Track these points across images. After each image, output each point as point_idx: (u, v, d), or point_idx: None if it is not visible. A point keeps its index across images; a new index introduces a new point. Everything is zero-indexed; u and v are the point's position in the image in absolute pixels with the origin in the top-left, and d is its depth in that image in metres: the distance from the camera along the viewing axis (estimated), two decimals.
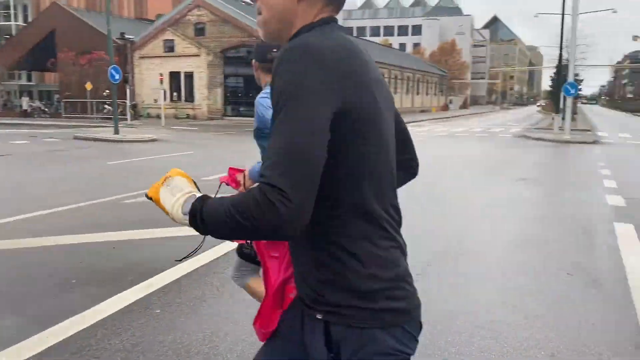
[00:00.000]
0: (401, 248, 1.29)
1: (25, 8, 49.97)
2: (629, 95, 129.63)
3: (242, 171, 2.69)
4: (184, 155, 14.46)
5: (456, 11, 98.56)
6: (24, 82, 48.49)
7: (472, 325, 3.75)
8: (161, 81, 29.55)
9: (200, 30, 35.78)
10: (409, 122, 35.00)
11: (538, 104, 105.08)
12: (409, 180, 1.60)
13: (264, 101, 2.72)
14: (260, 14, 1.27)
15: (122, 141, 18.63)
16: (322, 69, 1.10)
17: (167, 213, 1.23)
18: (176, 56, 36.27)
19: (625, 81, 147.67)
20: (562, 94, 25.07)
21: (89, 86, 31.38)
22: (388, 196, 1.26)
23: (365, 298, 1.20)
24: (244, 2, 38.54)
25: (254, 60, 3.00)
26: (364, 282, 1.19)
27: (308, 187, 1.06)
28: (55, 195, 8.33)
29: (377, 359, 1.21)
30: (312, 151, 1.07)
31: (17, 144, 16.78)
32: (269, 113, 2.59)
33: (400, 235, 1.30)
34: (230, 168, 2.77)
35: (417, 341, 1.28)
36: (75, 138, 19.43)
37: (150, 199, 1.28)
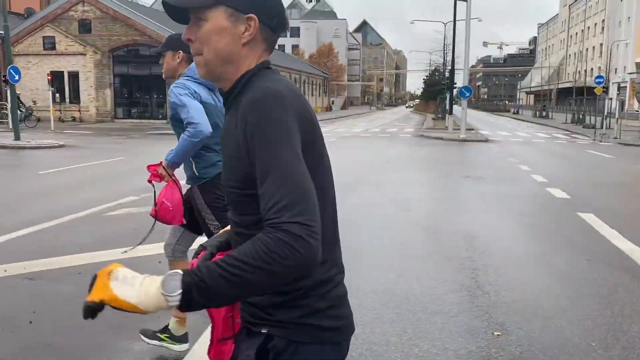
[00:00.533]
0: (342, 272, 1.38)
1: None
2: (484, 96, 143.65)
3: (159, 164, 3.10)
4: (118, 162, 13.70)
5: (331, 15, 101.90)
6: None
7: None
8: (50, 81, 27.16)
9: (85, 28, 33.46)
10: None
11: (407, 104, 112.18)
12: None
13: (177, 90, 3.02)
14: (199, 54, 1.32)
15: (26, 147, 17.02)
16: (289, 112, 1.20)
17: (133, 308, 1.09)
18: (58, 54, 33.56)
19: (479, 83, 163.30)
20: (447, 97, 27.38)
21: None
22: (334, 222, 1.36)
23: (313, 316, 1.27)
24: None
25: (174, 52, 3.19)
26: (316, 301, 1.27)
27: (319, 222, 1.13)
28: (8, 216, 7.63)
29: None
30: (311, 185, 1.15)
31: None
32: (181, 100, 2.98)
33: (341, 259, 1.39)
34: (148, 166, 3.16)
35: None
36: None
37: (97, 306, 1.08)
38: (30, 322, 3.88)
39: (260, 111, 1.18)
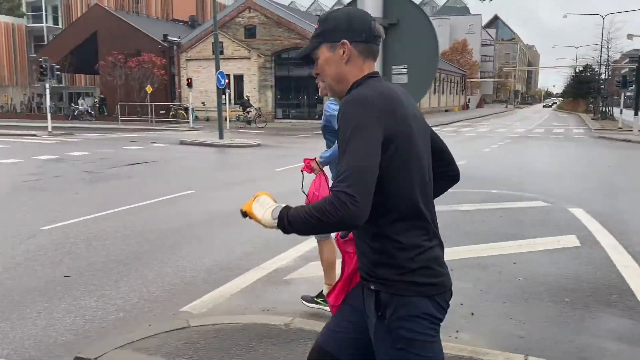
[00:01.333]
0: (437, 240, 1.73)
1: (55, 9, 49.30)
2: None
3: (314, 159, 3.85)
4: None
5: (465, 10, 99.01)
6: (55, 84, 47.76)
7: None
8: (227, 83, 29.21)
9: (250, 33, 35.56)
10: (462, 123, 34.94)
11: (545, 103, 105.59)
12: (452, 185, 2.04)
13: (332, 106, 3.69)
14: (323, 82, 1.81)
15: (231, 146, 18.42)
16: (370, 111, 1.59)
17: (258, 221, 1.66)
18: (225, 59, 35.98)
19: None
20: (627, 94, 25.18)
21: (149, 89, 31.06)
22: (424, 201, 1.70)
23: (407, 274, 1.64)
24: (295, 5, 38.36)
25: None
26: (406, 262, 1.65)
27: (368, 194, 1.53)
28: None
29: (411, 319, 1.64)
30: (370, 170, 1.55)
31: (141, 150, 16.53)
32: (333, 116, 3.62)
33: (436, 231, 1.74)
34: (305, 159, 3.90)
35: (445, 311, 1.71)
36: (182, 143, 19.21)
37: (244, 212, 1.71)
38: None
39: (345, 109, 1.62)
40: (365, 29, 1.74)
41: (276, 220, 1.61)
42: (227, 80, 29.60)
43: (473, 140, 22.38)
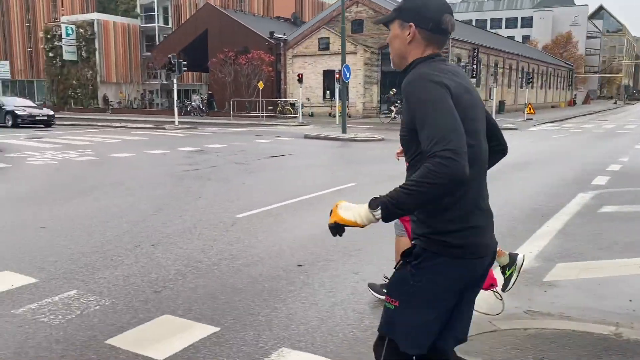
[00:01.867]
0: (476, 210, 1.86)
1: (166, 10, 51.70)
2: None
3: None
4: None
5: (568, 1, 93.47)
6: (163, 81, 50.19)
7: None
8: (338, 79, 29.14)
9: (357, 27, 35.32)
10: (578, 119, 32.78)
11: None
12: (501, 158, 2.20)
13: None
14: (390, 53, 2.03)
15: (356, 140, 18.21)
16: (436, 84, 1.75)
17: (354, 224, 1.73)
18: (331, 54, 36.02)
19: None
20: None
21: (260, 85, 31.69)
22: (475, 170, 1.80)
23: (440, 234, 1.81)
24: None
25: None
26: (438, 223, 1.82)
27: (464, 148, 1.64)
28: None
29: (438, 274, 1.81)
30: (459, 129, 1.66)
31: (275, 144, 16.73)
32: None
33: (483, 203, 1.91)
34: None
35: (468, 274, 1.86)
36: (306, 137, 19.28)
37: (334, 225, 1.76)
38: None
39: (411, 88, 1.79)
40: (433, 20, 1.86)
41: (378, 211, 1.66)
42: (338, 76, 29.66)
43: (610, 137, 20.74)
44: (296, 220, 6.79)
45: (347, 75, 19.04)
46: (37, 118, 25.17)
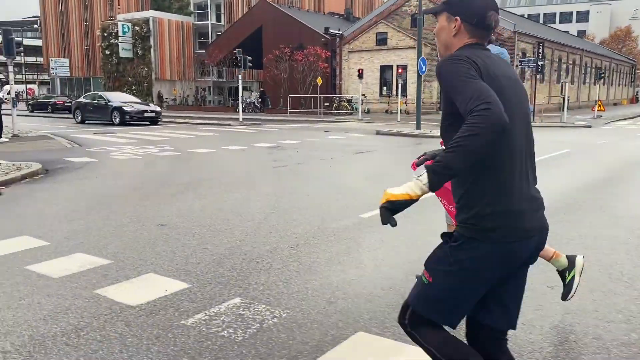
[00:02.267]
0: (516, 195, 1.84)
1: (218, 7, 51.94)
2: None
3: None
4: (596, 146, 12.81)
5: None
6: (215, 78, 50.44)
7: None
8: (400, 74, 28.41)
9: (417, 21, 34.39)
10: None
11: None
12: None
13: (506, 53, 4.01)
14: (437, 44, 2.10)
15: (432, 136, 17.46)
16: (465, 62, 1.79)
17: (406, 196, 1.71)
18: (389, 49, 35.23)
19: None
20: None
21: (319, 81, 31.24)
22: (511, 155, 1.84)
23: (476, 219, 1.83)
24: None
25: None
26: (475, 207, 1.83)
27: (500, 103, 1.66)
28: None
29: (474, 258, 1.84)
30: (485, 87, 1.70)
31: (346, 142, 16.18)
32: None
33: (524, 188, 1.87)
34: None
35: (507, 257, 1.85)
36: (378, 133, 18.64)
37: (385, 207, 1.73)
38: None
39: (439, 67, 1.85)
40: (479, 15, 1.92)
41: (424, 176, 1.68)
42: (400, 71, 28.87)
43: None
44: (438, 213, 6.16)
45: (423, 69, 18.28)
46: (146, 115, 23.14)
